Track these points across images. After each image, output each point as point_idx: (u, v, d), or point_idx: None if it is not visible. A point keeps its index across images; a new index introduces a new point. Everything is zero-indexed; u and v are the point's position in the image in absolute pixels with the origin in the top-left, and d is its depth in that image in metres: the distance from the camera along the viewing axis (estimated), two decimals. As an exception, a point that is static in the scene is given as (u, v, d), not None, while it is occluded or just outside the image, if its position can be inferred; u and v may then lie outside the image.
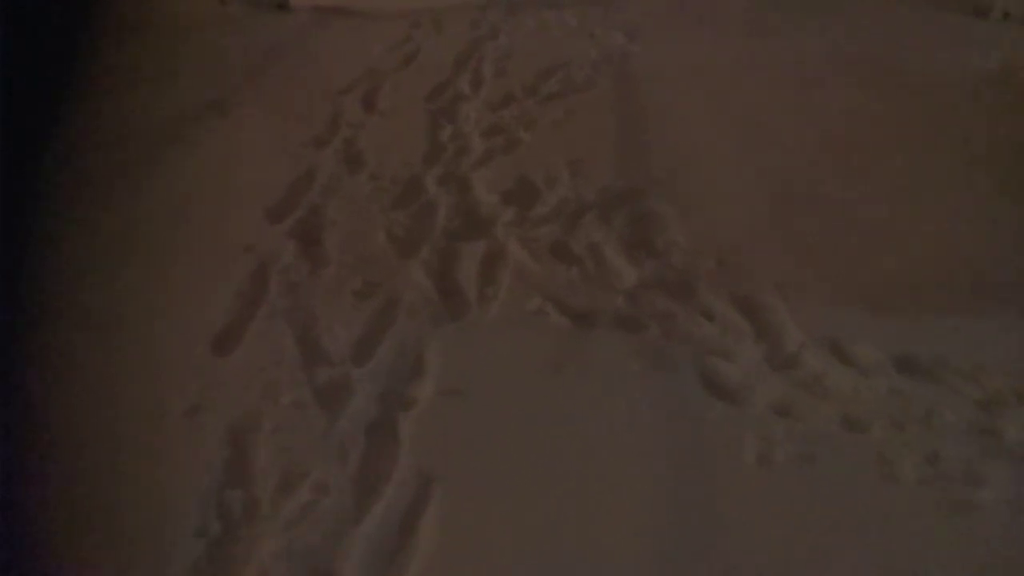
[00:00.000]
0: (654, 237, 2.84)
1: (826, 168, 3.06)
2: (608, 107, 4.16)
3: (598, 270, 2.67)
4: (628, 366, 2.18)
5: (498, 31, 5.93)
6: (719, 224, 2.87)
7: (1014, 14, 4.50)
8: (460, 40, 5.74)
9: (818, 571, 1.65)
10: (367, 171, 3.58)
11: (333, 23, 6.45)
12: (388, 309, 2.50)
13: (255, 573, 1.67)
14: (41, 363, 2.33)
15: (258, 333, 2.42)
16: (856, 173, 3.04)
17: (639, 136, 3.72)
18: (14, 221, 2.84)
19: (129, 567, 1.70)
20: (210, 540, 1.73)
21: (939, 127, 3.46)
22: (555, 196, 3.22)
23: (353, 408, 2.09)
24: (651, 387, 2.13)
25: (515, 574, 1.66)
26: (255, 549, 1.71)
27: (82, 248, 2.94)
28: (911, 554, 1.68)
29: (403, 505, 1.81)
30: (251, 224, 3.12)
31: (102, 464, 1.95)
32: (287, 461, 1.93)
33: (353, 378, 2.19)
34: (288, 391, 2.15)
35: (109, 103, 4.58)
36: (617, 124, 3.90)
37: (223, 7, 6.64)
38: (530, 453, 1.92)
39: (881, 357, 2.20)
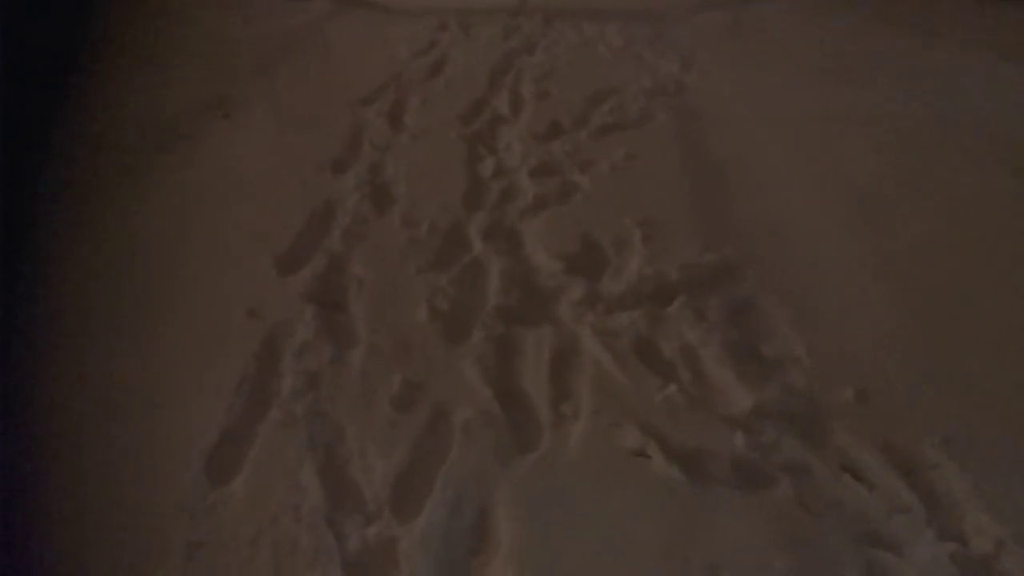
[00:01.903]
0: (763, 343, 2.26)
1: (971, 273, 2.49)
2: (674, 151, 3.56)
3: (700, 387, 2.08)
4: (767, 558, 1.59)
5: (535, 44, 5.30)
6: (847, 334, 2.29)
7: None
8: (492, 50, 5.11)
9: None
10: (398, 212, 2.96)
11: (353, 15, 5.80)
12: (436, 428, 1.89)
13: None
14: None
15: (266, 451, 1.81)
16: (1007, 280, 2.47)
17: (719, 195, 3.13)
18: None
19: None
20: None
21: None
22: (629, 268, 2.62)
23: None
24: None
25: None
26: None
27: (46, 321, 2.30)
28: None
29: None
30: (256, 276, 2.50)
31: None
32: None
33: (398, 546, 1.58)
34: (308, 563, 1.53)
35: (103, 96, 3.91)
36: (689, 175, 3.31)
37: (230, -11, 5.94)
38: None
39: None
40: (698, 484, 1.75)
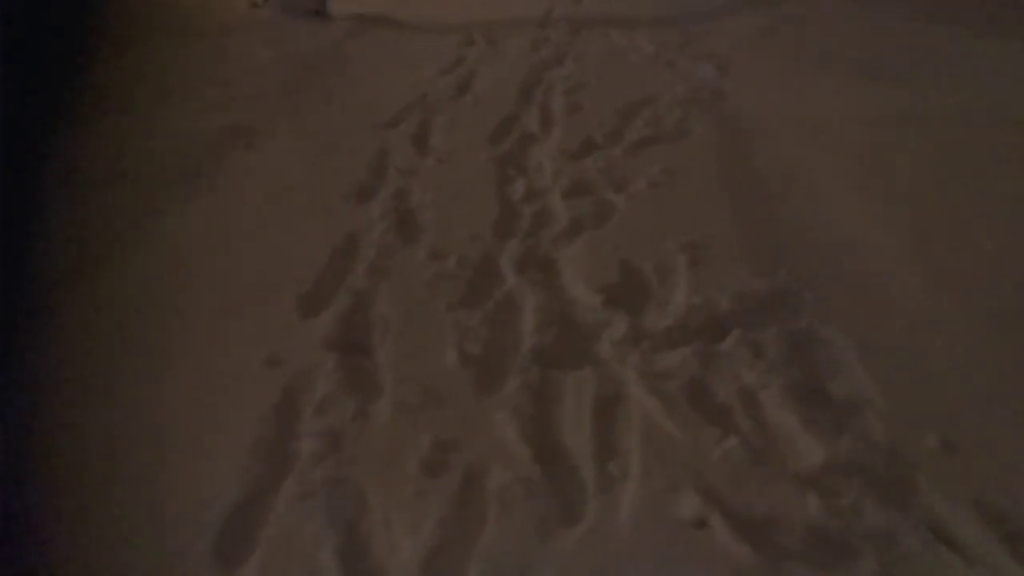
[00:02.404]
0: (829, 382, 2.01)
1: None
2: (714, 165, 3.32)
3: (763, 438, 1.84)
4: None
5: (563, 55, 5.09)
6: (921, 368, 2.03)
7: None
8: (520, 64, 4.91)
9: None
10: (425, 242, 2.76)
11: (376, 35, 5.64)
12: (469, 496, 1.68)
13: None
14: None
15: (283, 528, 1.61)
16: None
17: (766, 212, 2.88)
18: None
19: None
20: None
21: None
22: (675, 299, 2.39)
23: None
24: None
25: None
26: None
27: (45, 372, 2.13)
28: None
29: None
30: (276, 320, 2.31)
31: None
32: None
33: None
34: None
35: (122, 129, 3.78)
36: (732, 192, 3.06)
37: (255, 11, 5.83)
38: None
39: None
40: (768, 560, 1.51)
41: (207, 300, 2.42)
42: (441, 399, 1.96)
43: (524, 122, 3.97)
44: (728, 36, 5.22)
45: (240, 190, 3.22)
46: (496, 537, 1.57)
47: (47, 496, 1.72)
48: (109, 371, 2.12)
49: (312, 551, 1.54)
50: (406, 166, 3.44)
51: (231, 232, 2.85)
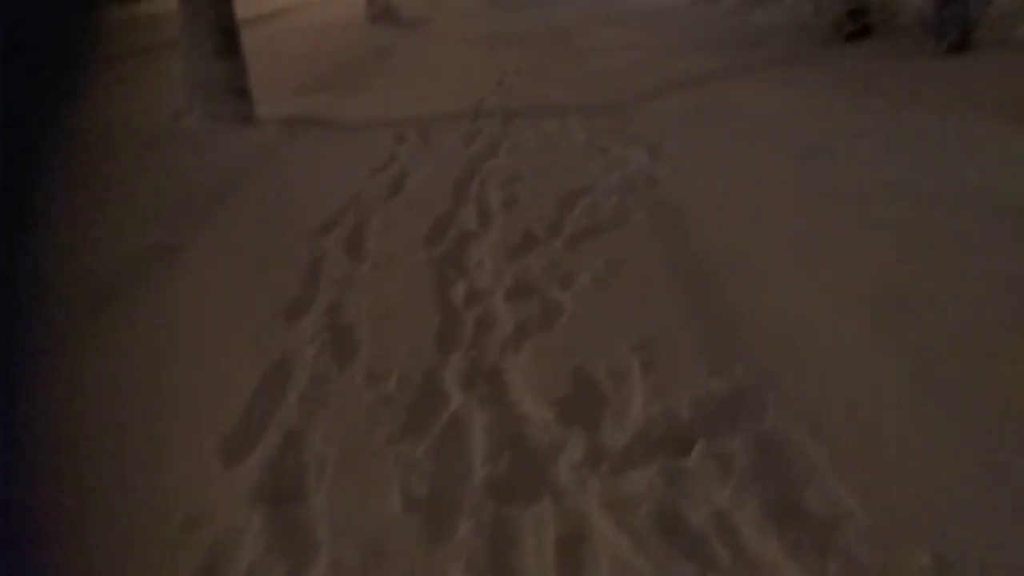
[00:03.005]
0: (805, 493, 1.83)
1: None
2: (656, 254, 3.21)
3: (744, 570, 1.64)
4: None
5: (497, 146, 5.03)
6: (900, 471, 1.87)
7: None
8: (455, 158, 4.82)
9: None
10: (362, 363, 2.54)
11: (306, 138, 5.51)
12: None
13: None
14: None
15: None
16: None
17: (714, 301, 2.75)
18: None
19: None
20: None
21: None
22: (632, 409, 2.21)
23: None
24: None
25: None
26: None
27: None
28: None
29: None
30: (197, 470, 2.05)
31: None
32: None
33: None
34: None
35: (34, 253, 3.50)
36: (678, 281, 2.94)
37: (179, 121, 5.66)
38: None
39: None
40: None
41: (118, 451, 2.14)
42: (385, 554, 1.72)
43: (461, 218, 3.83)
44: (657, 119, 5.24)
45: (159, 315, 2.96)
46: None
47: None
48: (8, 541, 1.82)
49: None
50: (340, 275, 3.24)
51: (147, 367, 2.59)
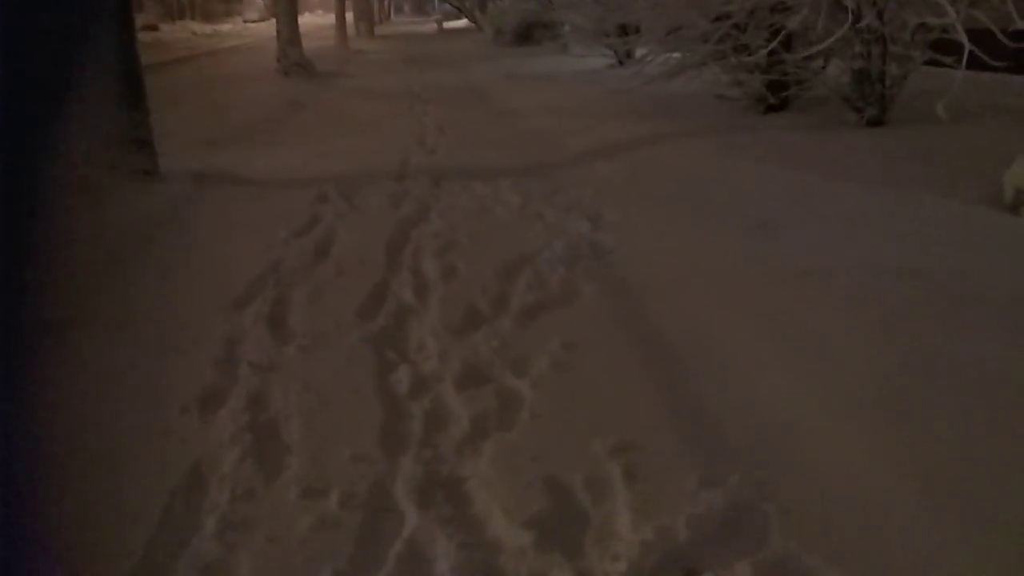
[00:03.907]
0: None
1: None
2: (618, 335, 2.94)
3: None
4: None
5: (427, 209, 4.71)
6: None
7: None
8: (383, 221, 4.48)
9: None
10: (295, 473, 2.13)
11: (218, 194, 5.05)
12: None
13: None
14: None
15: None
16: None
17: (691, 394, 2.50)
18: None
19: None
20: None
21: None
22: (620, 528, 1.89)
23: None
24: None
25: None
26: None
27: None
28: None
29: None
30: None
31: None
32: None
33: None
34: None
35: None
36: (648, 371, 2.67)
37: (73, 171, 5.07)
38: None
39: None
40: None
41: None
42: None
43: (396, 290, 3.48)
44: (591, 185, 5.06)
45: (42, 411, 2.46)
46: None
47: None
48: None
49: None
50: (262, 359, 2.82)
51: (21, 482, 2.09)
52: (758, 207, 4.13)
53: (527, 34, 17.12)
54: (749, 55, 6.11)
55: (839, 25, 5.24)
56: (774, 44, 5.61)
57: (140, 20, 29.41)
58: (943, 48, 5.45)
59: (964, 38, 4.49)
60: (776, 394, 2.44)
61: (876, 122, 5.69)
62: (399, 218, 4.53)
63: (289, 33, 12.60)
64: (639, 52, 9.99)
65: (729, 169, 4.95)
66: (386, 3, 49.12)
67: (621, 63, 10.60)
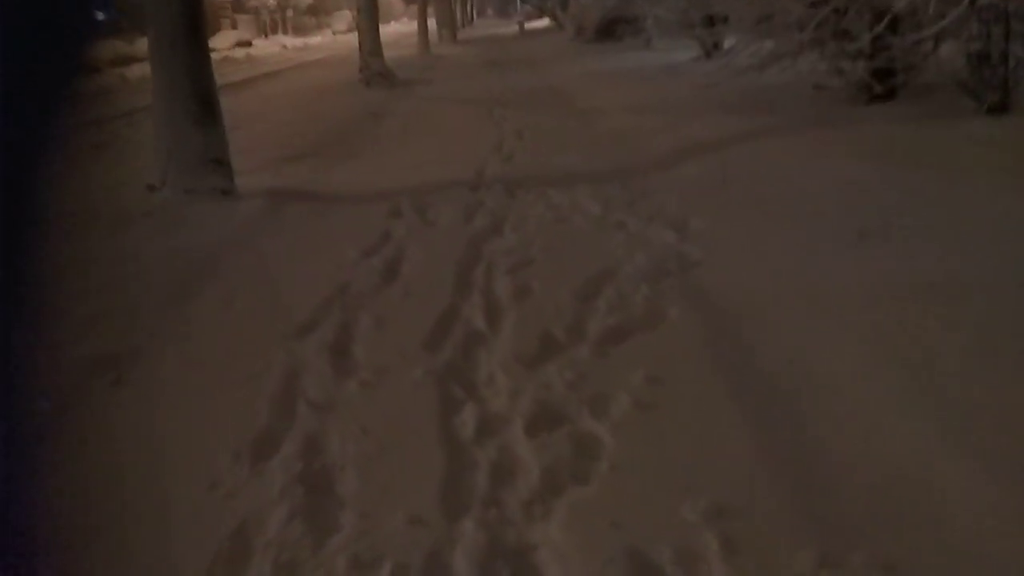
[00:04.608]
0: None
1: None
2: (709, 368, 2.60)
3: None
4: None
5: (501, 222, 4.46)
6: None
7: None
8: (455, 236, 4.26)
9: None
10: (344, 537, 1.90)
11: (289, 212, 4.95)
12: None
13: None
14: None
15: None
16: None
17: (796, 441, 2.14)
18: None
19: None
20: None
21: None
22: (719, 621, 1.57)
23: None
24: None
25: None
26: None
27: None
28: None
29: None
30: None
31: None
32: None
33: None
34: None
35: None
36: (746, 411, 2.32)
37: (152, 195, 5.09)
38: None
39: None
40: None
41: None
42: None
43: (466, 315, 3.23)
44: (677, 191, 4.69)
45: (97, 453, 2.32)
46: None
47: None
48: None
49: None
50: (321, 397, 2.62)
51: (67, 530, 1.94)
52: (866, 212, 3.68)
53: (609, 30, 16.67)
54: (850, 41, 5.59)
55: (952, 5, 4.69)
56: (880, 28, 5.08)
57: (234, 37, 30.54)
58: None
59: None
60: (902, 442, 2.06)
61: (998, 109, 5.08)
62: (472, 233, 4.29)
63: (371, 44, 12.64)
64: (727, 43, 9.47)
65: (831, 169, 4.48)
66: (469, 7, 49.38)
67: (708, 55, 10.07)
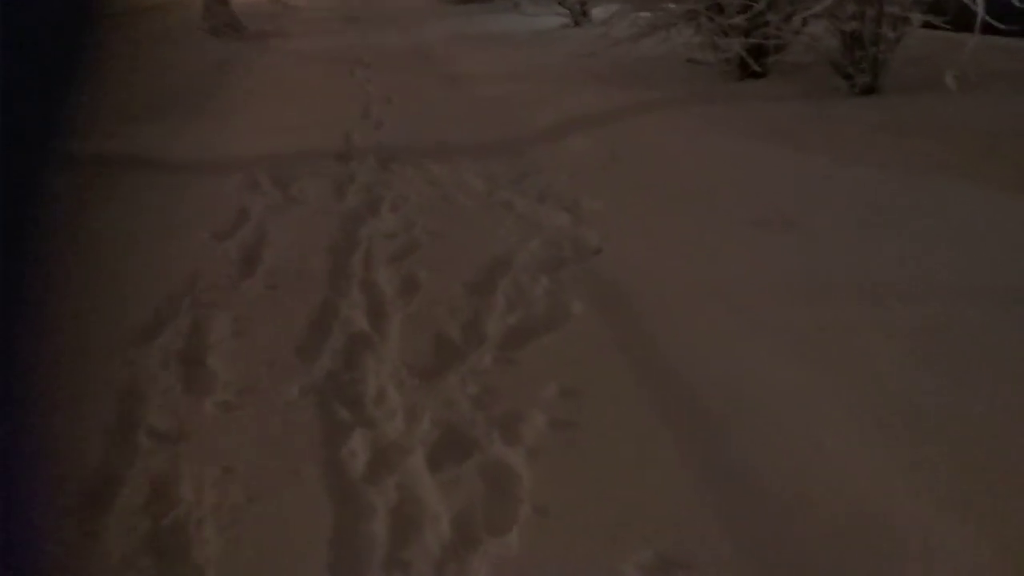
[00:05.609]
0: None
1: None
2: (626, 378, 2.34)
3: None
4: None
5: (379, 200, 4.01)
6: None
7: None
8: (325, 216, 3.78)
9: None
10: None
11: (123, 186, 4.25)
12: None
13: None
14: None
15: None
16: None
17: (740, 473, 1.91)
18: None
19: None
20: None
21: None
22: None
23: None
24: None
25: None
26: None
27: None
28: None
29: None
30: None
31: None
32: None
33: None
34: None
35: None
36: (674, 432, 2.07)
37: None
38: None
39: None
40: None
41: None
42: None
43: (345, 314, 2.81)
44: (565, 167, 4.41)
45: None
46: None
47: None
48: None
49: None
50: (167, 425, 2.14)
51: None
52: (766, 196, 3.54)
53: (475, -9, 16.12)
54: (724, 16, 5.50)
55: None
56: (761, 5, 4.99)
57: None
58: (936, 8, 4.94)
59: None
60: (837, 464, 1.87)
61: (869, 90, 5.15)
62: (345, 212, 3.82)
63: (215, -11, 11.45)
64: (594, 12, 9.30)
65: (720, 148, 4.35)
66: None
67: (577, 23, 9.86)
